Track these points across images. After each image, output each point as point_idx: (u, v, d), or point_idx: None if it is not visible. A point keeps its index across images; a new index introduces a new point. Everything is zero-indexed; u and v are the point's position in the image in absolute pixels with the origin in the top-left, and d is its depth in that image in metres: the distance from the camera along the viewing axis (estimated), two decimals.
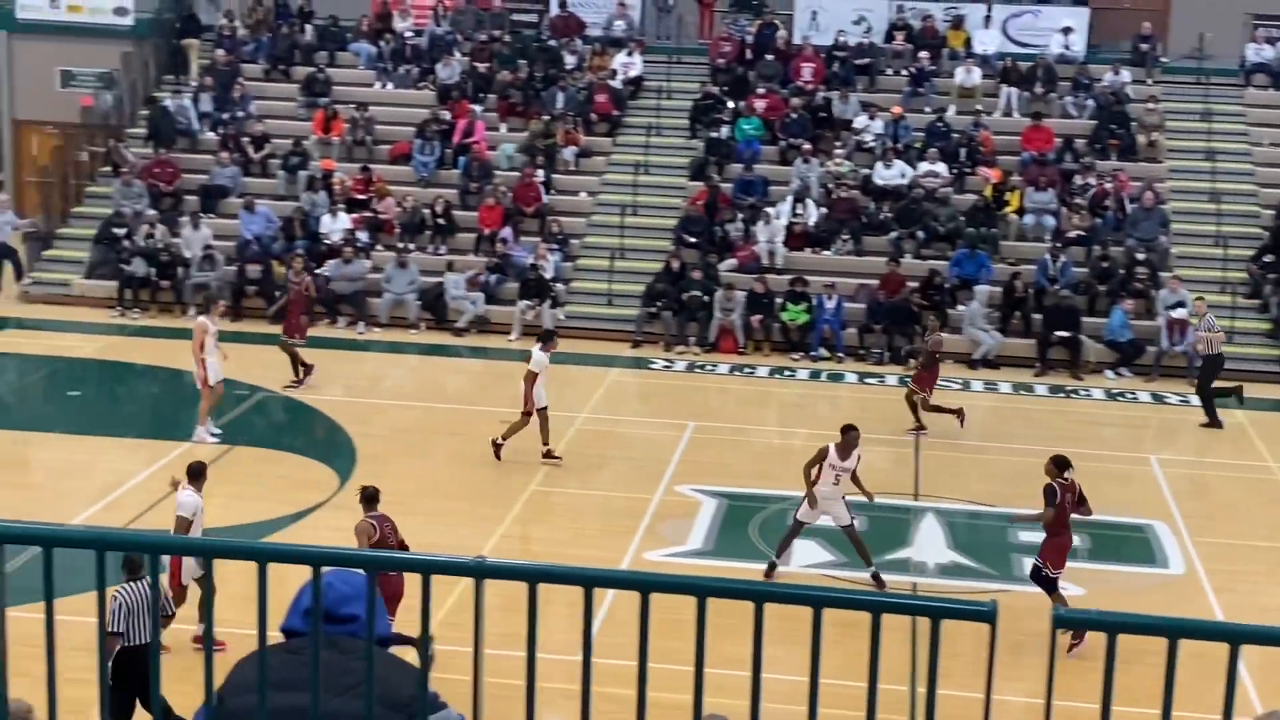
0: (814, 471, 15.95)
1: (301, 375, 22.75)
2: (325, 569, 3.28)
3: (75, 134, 32.25)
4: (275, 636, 3.49)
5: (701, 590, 3.29)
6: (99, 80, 32.85)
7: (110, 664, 10.69)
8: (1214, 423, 23.05)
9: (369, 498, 13.99)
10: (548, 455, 19.81)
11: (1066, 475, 14.83)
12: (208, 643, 3.48)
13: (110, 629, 10.99)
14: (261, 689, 3.18)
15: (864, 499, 16.38)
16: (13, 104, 33.96)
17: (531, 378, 19.60)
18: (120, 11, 32.91)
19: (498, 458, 19.74)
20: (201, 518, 13.95)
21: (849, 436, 16.11)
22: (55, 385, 23.93)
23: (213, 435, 20.22)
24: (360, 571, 3.31)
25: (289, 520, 17.75)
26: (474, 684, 3.45)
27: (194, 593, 13.22)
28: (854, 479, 16.10)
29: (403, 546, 13.41)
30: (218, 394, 20.32)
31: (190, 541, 3.14)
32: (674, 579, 3.32)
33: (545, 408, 19.75)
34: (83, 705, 4.19)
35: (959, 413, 21.82)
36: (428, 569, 3.27)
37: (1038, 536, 18.20)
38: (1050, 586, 14.74)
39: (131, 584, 11.48)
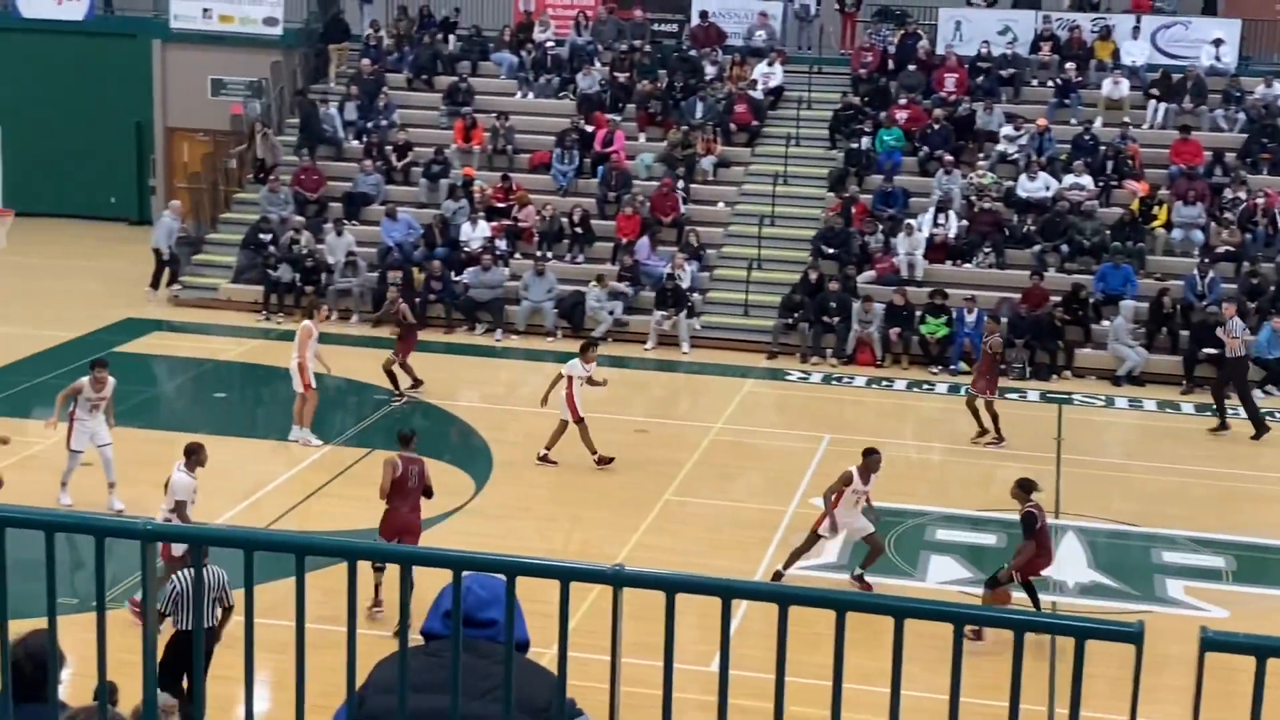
0: (834, 497, 15.92)
1: (401, 390, 22.80)
2: (465, 573, 3.30)
3: (225, 141, 32.97)
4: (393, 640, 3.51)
5: (841, 604, 3.25)
6: (248, 88, 33.54)
7: (166, 643, 11.28)
8: (1224, 424, 22.74)
9: (404, 439, 15.56)
10: (544, 459, 20.06)
11: (1033, 497, 14.79)
12: (297, 643, 3.51)
13: (160, 609, 11.40)
14: (402, 690, 3.20)
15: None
16: (165, 112, 34.80)
17: (569, 384, 19.94)
18: (270, 21, 33.58)
19: (609, 460, 20.02)
20: (194, 498, 14.49)
21: (871, 460, 16.07)
22: (202, 387, 24.46)
23: (315, 440, 20.53)
24: (500, 576, 3.32)
25: (425, 525, 17.91)
26: (610, 692, 3.44)
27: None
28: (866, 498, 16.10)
29: (428, 490, 15.14)
30: (312, 402, 20.56)
31: (333, 543, 3.18)
32: (813, 592, 3.28)
33: (567, 421, 19.98)
34: (225, 702, 4.26)
35: (986, 432, 21.64)
36: (566, 576, 3.27)
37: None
38: (995, 584, 14.70)
39: (188, 572, 11.85)
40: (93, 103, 34.98)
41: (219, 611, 11.81)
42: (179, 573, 11.96)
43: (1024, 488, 14.88)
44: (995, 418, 21.68)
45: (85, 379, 18.08)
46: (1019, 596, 15.06)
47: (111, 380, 18.15)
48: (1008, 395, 24.50)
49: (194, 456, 14.69)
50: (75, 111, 34.97)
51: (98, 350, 25.08)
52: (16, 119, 29.80)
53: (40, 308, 27.80)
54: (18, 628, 3.63)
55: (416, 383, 23.02)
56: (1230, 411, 23.00)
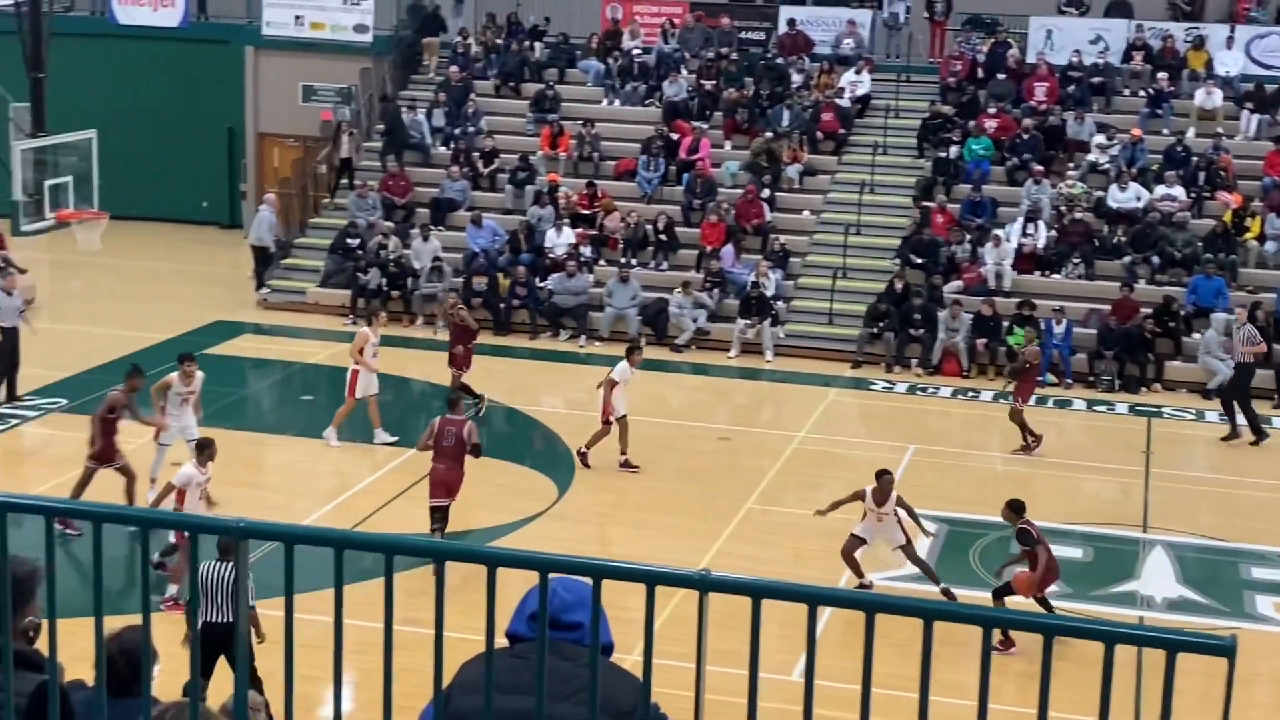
0: (841, 504, 16.20)
1: (480, 396, 22.80)
2: (551, 575, 3.30)
3: (315, 147, 33.31)
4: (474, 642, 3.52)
5: (929, 614, 3.21)
6: (338, 95, 33.88)
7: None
8: (1232, 433, 22.64)
9: (451, 402, 17.39)
10: (625, 464, 20.16)
11: (1025, 516, 14.90)
12: (385, 643, 3.52)
13: (185, 600, 11.97)
14: (488, 690, 3.21)
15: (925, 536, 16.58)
16: (257, 117, 35.22)
17: (610, 385, 20.04)
18: (360, 29, 33.89)
19: (586, 465, 20.10)
20: (197, 490, 15.07)
21: (882, 482, 16.18)
22: (289, 389, 24.72)
23: (336, 442, 20.57)
24: (586, 580, 3.32)
25: (509, 528, 18.02)
26: (695, 699, 3.43)
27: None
28: (912, 515, 16.17)
29: (475, 449, 16.57)
30: (350, 406, 20.56)
31: (422, 544, 3.20)
32: (901, 601, 3.25)
33: (624, 416, 20.20)
34: (311, 703, 4.29)
35: (1038, 439, 21.56)
36: (652, 580, 3.26)
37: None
38: (1003, 594, 14.88)
39: (218, 564, 12.08)
40: (186, 108, 35.46)
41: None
42: (208, 564, 12.16)
43: (1014, 509, 15.10)
44: (1023, 426, 21.58)
45: (174, 374, 18.38)
46: (1258, 628, 14.98)
47: (200, 374, 18.46)
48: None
49: (204, 452, 15.45)
50: (169, 117, 35.47)
51: (188, 351, 25.44)
52: (112, 124, 30.25)
53: (132, 310, 28.22)
54: (109, 624, 3.68)
55: (477, 398, 22.48)
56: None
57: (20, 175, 24.11)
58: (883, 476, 16.25)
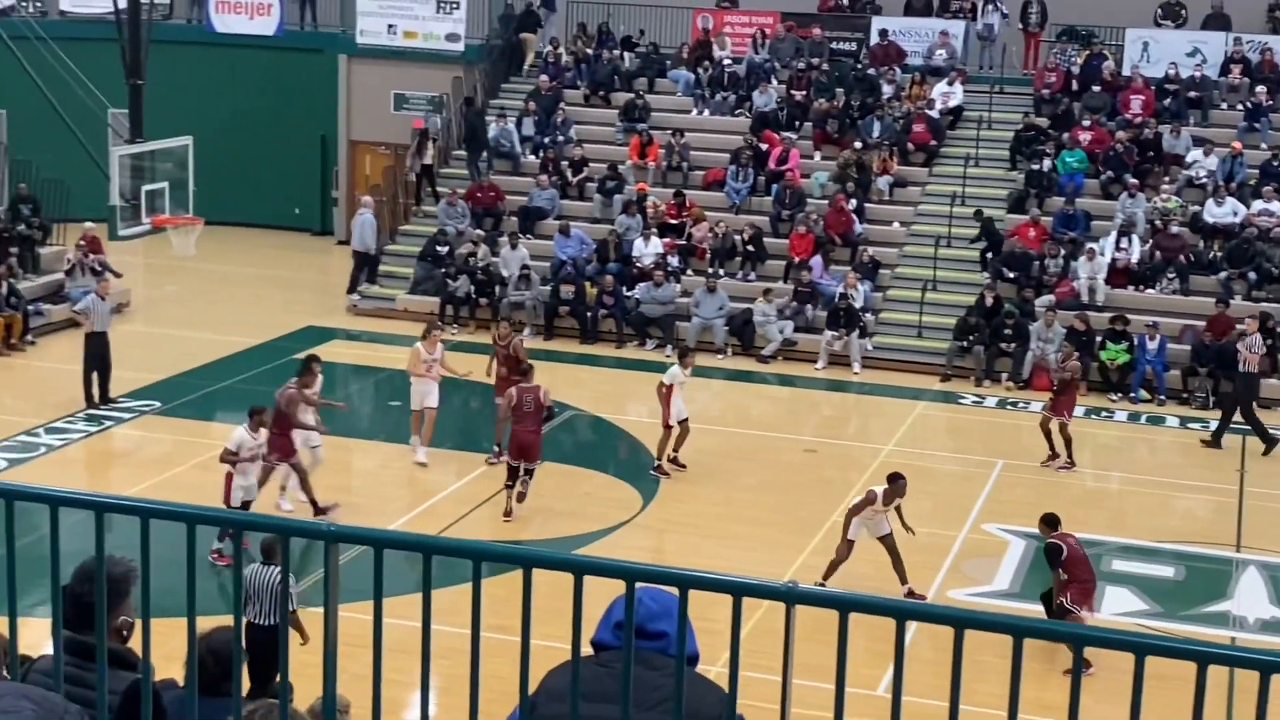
0: (858, 514, 16.21)
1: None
2: (636, 585, 3.29)
3: (405, 155, 33.56)
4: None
5: (1019, 630, 3.17)
6: (430, 103, 34.13)
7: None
8: (1268, 443, 22.52)
9: (524, 371, 19.04)
10: (673, 462, 20.32)
11: (1059, 529, 15.03)
12: (472, 649, 3.53)
13: None
14: (574, 698, 3.21)
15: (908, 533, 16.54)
16: (349, 125, 35.57)
17: (667, 390, 20.08)
18: (452, 38, 34.13)
19: (666, 474, 20.13)
20: (247, 453, 16.37)
21: (896, 485, 16.23)
22: (377, 395, 24.91)
23: (421, 460, 20.36)
24: (672, 590, 3.31)
25: (593, 537, 18.04)
26: (781, 712, 3.40)
27: None
28: (899, 512, 16.38)
29: (549, 413, 18.31)
30: (423, 419, 20.35)
31: (509, 550, 3.20)
32: (991, 617, 3.21)
33: (685, 420, 20.29)
34: (395, 706, 4.31)
35: (1054, 455, 21.32)
36: (738, 591, 3.24)
37: None
38: (1062, 613, 14.74)
39: (263, 567, 12.33)
40: (280, 115, 35.89)
41: (275, 618, 12.11)
42: (251, 567, 12.33)
43: (1048, 523, 15.21)
44: (1068, 441, 21.33)
45: (419, 343, 19.38)
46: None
47: (441, 347, 19.71)
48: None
49: (255, 417, 16.64)
50: (263, 124, 35.91)
51: (279, 356, 25.73)
52: (207, 130, 30.66)
53: (224, 314, 28.58)
54: (200, 625, 3.72)
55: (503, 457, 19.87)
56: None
57: (118, 181, 24.49)
58: (896, 480, 16.32)
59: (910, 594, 15.95)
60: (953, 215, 29.21)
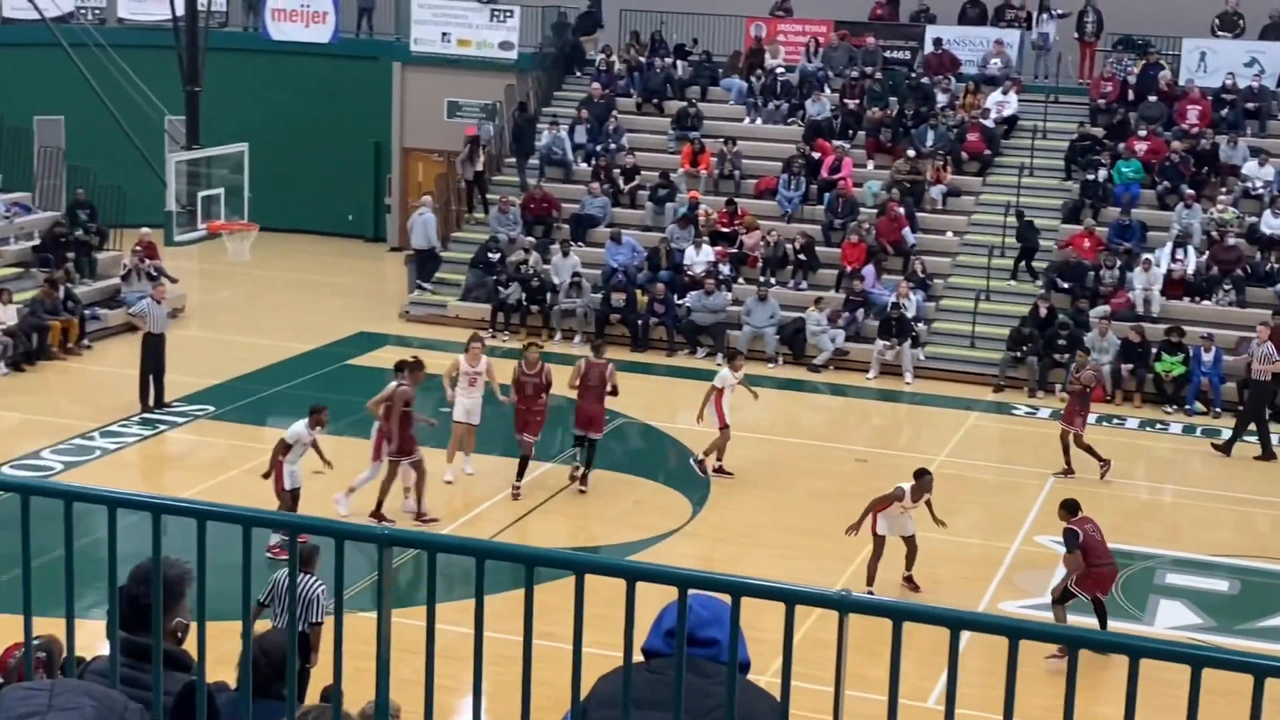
0: (881, 507, 16.45)
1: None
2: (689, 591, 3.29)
3: (457, 161, 33.67)
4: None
5: (1074, 641, 3.15)
6: (482, 111, 34.25)
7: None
8: (1228, 449, 22.68)
9: (595, 348, 20.44)
10: (719, 471, 20.39)
11: (1079, 515, 15.17)
12: (524, 655, 3.52)
13: (261, 599, 12.03)
14: (626, 705, 3.20)
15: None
16: (403, 132, 35.74)
17: (717, 394, 20.25)
18: (506, 46, 34.25)
19: (705, 473, 20.22)
20: (302, 449, 16.94)
21: (923, 481, 16.42)
22: (428, 402, 24.96)
23: (471, 469, 20.11)
24: (723, 597, 3.30)
25: (643, 544, 18.04)
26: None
27: None
28: (929, 507, 16.56)
29: (614, 389, 19.56)
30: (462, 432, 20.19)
31: (563, 556, 3.19)
32: (1045, 627, 3.19)
33: (727, 426, 20.37)
34: (446, 712, 4.32)
35: (1107, 464, 21.14)
36: (791, 599, 3.23)
37: None
38: (1064, 598, 15.08)
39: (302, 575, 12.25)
40: (334, 122, 36.10)
41: (303, 626, 12.15)
42: (285, 572, 12.36)
43: (1068, 508, 15.42)
44: (1088, 449, 21.14)
45: (461, 356, 19.51)
46: (1085, 620, 14.99)
47: (485, 359, 19.73)
48: (1246, 438, 23.62)
49: (314, 416, 17.10)
50: (317, 131, 36.13)
51: (331, 362, 25.88)
52: (262, 137, 30.83)
53: (278, 319, 28.77)
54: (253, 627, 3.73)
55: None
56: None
57: (174, 186, 24.68)
58: (923, 476, 16.46)
59: (909, 580, 16.53)
60: (1006, 225, 29.04)
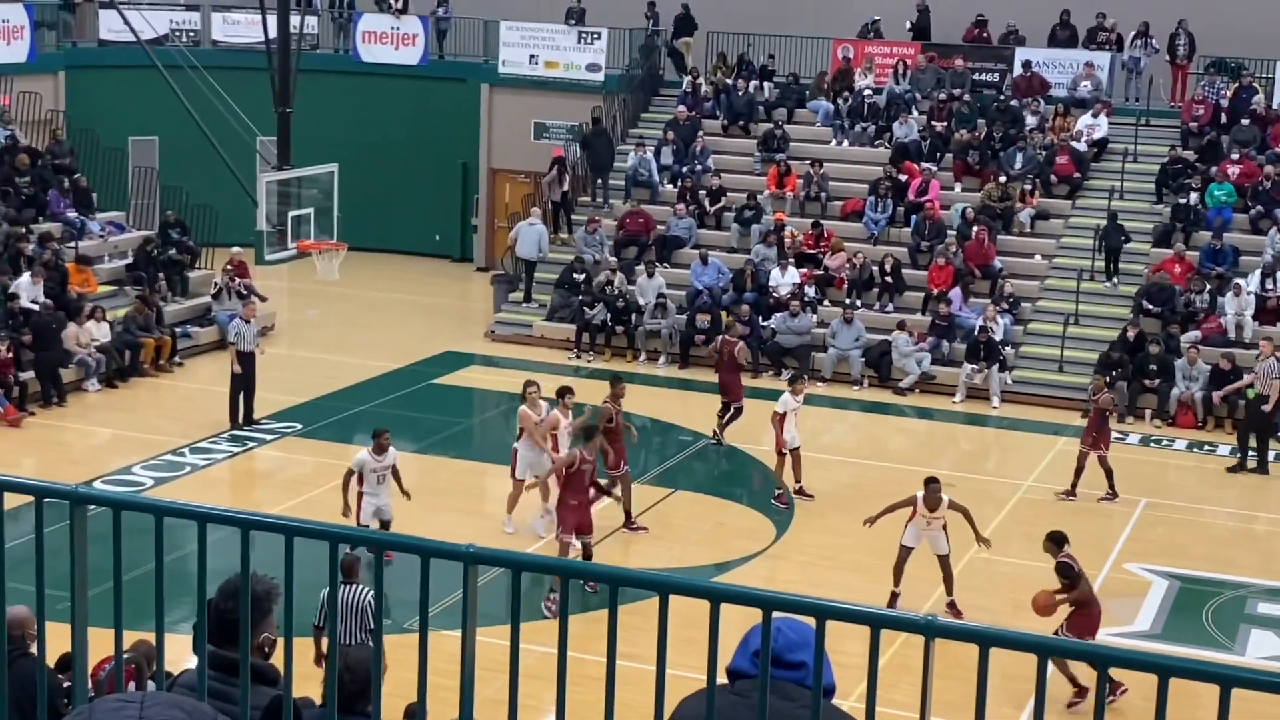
0: (894, 509, 16.67)
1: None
2: (774, 614, 3.27)
3: (543, 182, 33.82)
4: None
5: (1165, 669, 3.10)
6: (569, 132, 34.42)
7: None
8: (1242, 465, 22.80)
9: (729, 325, 23.02)
10: (800, 493, 20.34)
11: (1065, 549, 14.71)
12: (608, 676, 3.52)
13: (316, 623, 12.28)
14: None
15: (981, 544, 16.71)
16: (490, 153, 35.99)
17: (779, 419, 20.10)
18: (593, 68, 34.41)
19: (785, 504, 20.06)
20: (372, 476, 16.70)
21: (930, 490, 16.50)
22: (513, 421, 25.06)
23: (510, 529, 19.43)
24: (809, 620, 3.28)
25: (726, 567, 17.99)
26: None
27: None
28: (968, 518, 16.49)
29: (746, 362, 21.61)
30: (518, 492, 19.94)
31: (648, 576, 3.18)
32: (1135, 655, 3.14)
33: (797, 448, 20.25)
34: None
35: (1113, 494, 20.87)
36: (877, 623, 3.21)
37: None
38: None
39: (344, 586, 12.27)
40: (422, 143, 36.41)
41: (361, 635, 12.22)
42: (343, 587, 12.44)
43: (1055, 540, 14.98)
44: (1109, 473, 20.84)
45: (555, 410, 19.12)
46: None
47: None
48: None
49: (376, 440, 16.87)
50: (406, 151, 36.45)
51: (418, 381, 26.06)
52: (352, 158, 31.17)
53: (366, 338, 29.01)
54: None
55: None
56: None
57: (265, 206, 24.98)
58: (930, 484, 16.50)
59: (952, 606, 16.36)
60: (1096, 249, 28.74)
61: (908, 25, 34.57)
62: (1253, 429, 23.10)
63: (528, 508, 19.03)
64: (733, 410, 22.82)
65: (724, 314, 27.62)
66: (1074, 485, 21.08)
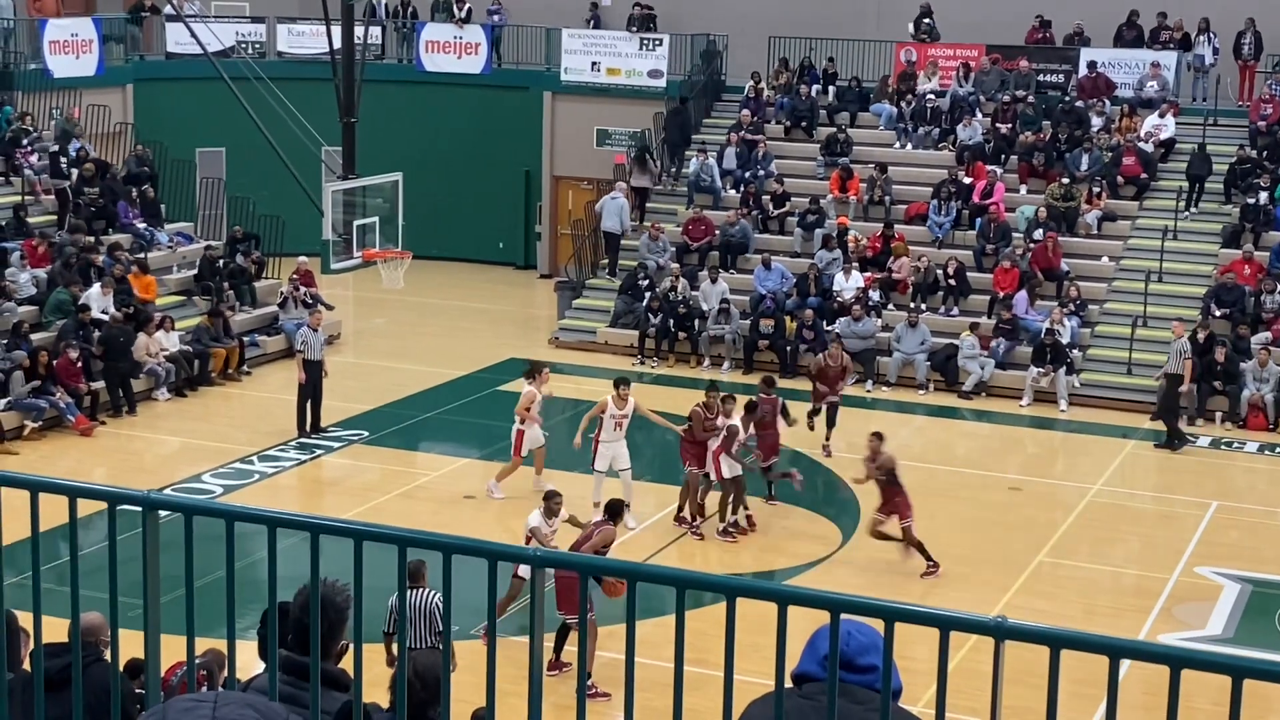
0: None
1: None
2: (843, 617, 3.25)
3: (607, 190, 33.86)
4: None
5: (1240, 671, 3.05)
6: (631, 139, 34.45)
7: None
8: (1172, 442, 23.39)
9: (767, 382, 20.68)
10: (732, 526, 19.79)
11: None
12: (675, 679, 3.51)
13: (385, 629, 12.47)
14: None
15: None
16: (553, 160, 36.09)
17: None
18: (655, 74, 34.44)
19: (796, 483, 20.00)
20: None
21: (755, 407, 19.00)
22: (575, 427, 25.10)
23: (499, 494, 20.13)
24: (876, 623, 3.27)
25: (792, 572, 17.94)
26: None
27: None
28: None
29: (785, 414, 20.11)
30: (516, 466, 20.27)
31: (715, 579, 3.17)
32: (1209, 656, 3.09)
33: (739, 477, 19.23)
34: None
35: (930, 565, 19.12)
36: (946, 625, 3.19)
37: None
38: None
39: (410, 590, 12.12)
40: (486, 151, 36.55)
41: (431, 639, 12.26)
42: (411, 593, 12.48)
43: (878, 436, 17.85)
44: (915, 546, 18.43)
45: (609, 397, 19.12)
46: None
47: (633, 400, 19.37)
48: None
49: (549, 503, 15.93)
50: (469, 159, 36.60)
51: (483, 388, 26.15)
52: (416, 166, 31.35)
53: (431, 346, 29.16)
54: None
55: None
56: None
57: (330, 216, 25.16)
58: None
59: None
60: (1164, 250, 28.45)
61: (910, 30, 34.31)
62: (1168, 409, 23.71)
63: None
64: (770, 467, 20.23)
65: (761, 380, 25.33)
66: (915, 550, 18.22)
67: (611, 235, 30.82)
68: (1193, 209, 29.38)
